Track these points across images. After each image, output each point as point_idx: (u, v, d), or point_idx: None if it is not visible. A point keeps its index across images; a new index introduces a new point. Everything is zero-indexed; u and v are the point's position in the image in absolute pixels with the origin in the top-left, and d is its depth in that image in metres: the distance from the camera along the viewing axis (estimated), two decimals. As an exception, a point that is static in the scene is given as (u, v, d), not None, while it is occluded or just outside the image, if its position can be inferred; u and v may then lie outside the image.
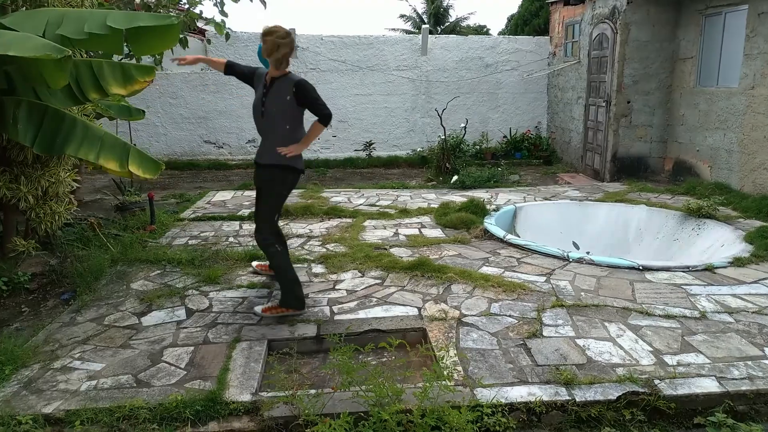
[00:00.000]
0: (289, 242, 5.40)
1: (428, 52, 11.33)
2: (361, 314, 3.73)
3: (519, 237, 6.39)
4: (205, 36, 11.04)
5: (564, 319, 3.58)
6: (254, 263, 4.63)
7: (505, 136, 11.67)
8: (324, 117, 3.61)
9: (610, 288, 4.11)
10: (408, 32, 29.74)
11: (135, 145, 11.93)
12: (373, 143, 11.30)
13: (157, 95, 11.25)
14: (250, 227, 6.07)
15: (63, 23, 3.55)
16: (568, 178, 9.39)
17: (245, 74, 3.88)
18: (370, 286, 4.24)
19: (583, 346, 3.25)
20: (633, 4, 8.09)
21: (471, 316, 3.66)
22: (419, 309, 3.79)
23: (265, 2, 8.37)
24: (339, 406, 2.64)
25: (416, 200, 7.37)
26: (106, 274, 4.55)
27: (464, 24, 31.89)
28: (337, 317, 3.70)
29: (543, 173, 10.31)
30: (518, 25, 18.40)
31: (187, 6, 7.64)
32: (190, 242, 5.47)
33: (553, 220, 6.62)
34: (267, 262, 4.43)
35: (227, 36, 9.48)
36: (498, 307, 3.78)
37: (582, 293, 4.01)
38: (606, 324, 3.52)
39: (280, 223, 6.18)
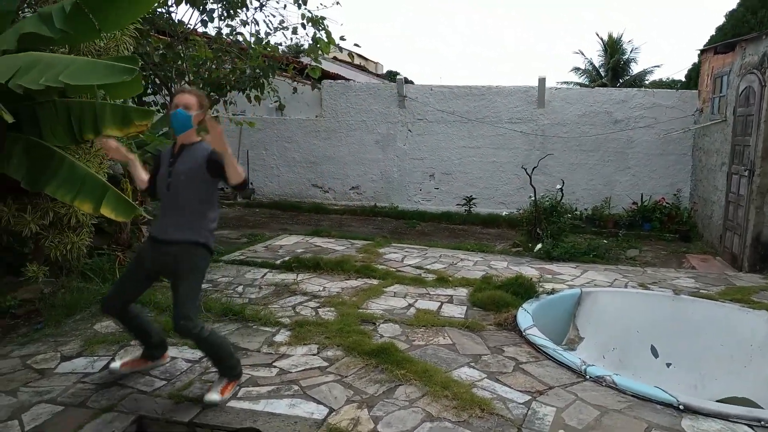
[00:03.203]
0: (286, 300, 4.99)
1: (546, 105, 10.27)
2: (260, 405, 3.08)
3: (576, 330, 5.17)
4: (320, 83, 11.38)
5: (499, 468, 2.54)
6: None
7: (634, 203, 9.98)
8: (240, 185, 3.00)
9: (608, 431, 2.89)
10: (582, 86, 27.91)
11: (252, 184, 12.61)
12: (474, 199, 10.46)
13: (275, 138, 11.84)
14: (272, 276, 5.78)
15: (30, 72, 3.62)
16: (697, 262, 7.54)
17: (158, 164, 3.30)
18: (310, 369, 3.56)
19: None
20: (789, 49, 6.33)
21: (382, 435, 2.80)
22: (331, 412, 3.02)
23: (353, 56, 8.30)
24: None
25: (478, 267, 6.44)
26: (86, 309, 4.54)
27: (649, 79, 29.14)
28: (232, 404, 3.09)
29: (670, 252, 8.50)
30: (691, 78, 16.40)
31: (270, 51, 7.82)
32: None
33: (630, 315, 5.20)
34: (132, 358, 3.54)
35: (319, 79, 9.37)
36: (427, 431, 2.85)
37: (560, 431, 2.87)
38: (556, 490, 2.41)
39: (300, 277, 5.81)
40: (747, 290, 5.72)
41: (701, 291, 5.70)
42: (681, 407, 3.13)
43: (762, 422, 3.00)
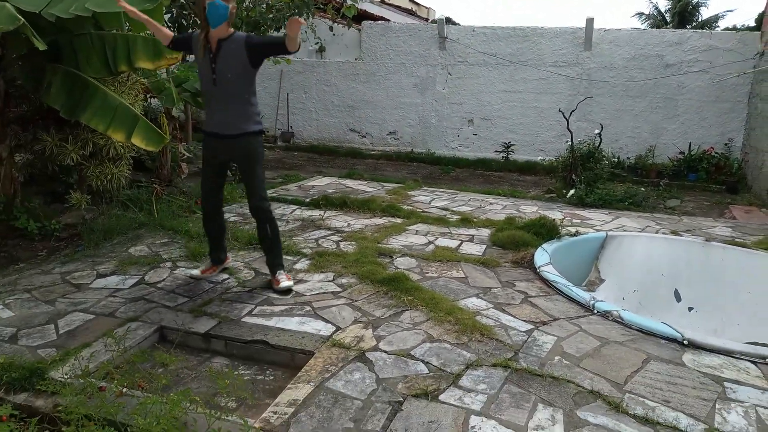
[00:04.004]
0: (310, 234, 5.15)
1: (593, 47, 9.82)
2: (273, 322, 3.27)
3: (598, 272, 5.14)
4: (360, 25, 11.23)
5: (489, 385, 2.64)
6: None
7: (681, 153, 9.56)
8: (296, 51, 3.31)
9: (605, 359, 2.93)
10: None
11: (291, 128, 12.75)
12: (512, 145, 10.27)
13: (314, 82, 11.85)
14: (300, 212, 5.96)
15: (63, 1, 3.78)
16: (740, 213, 7.25)
17: (186, 41, 3.64)
18: (324, 293, 3.72)
19: (475, 429, 2.33)
20: None
21: (382, 351, 2.93)
22: (337, 330, 3.18)
23: None
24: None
25: (506, 211, 6.40)
26: (123, 234, 4.84)
27: (720, 25, 27.33)
28: (245, 319, 3.30)
29: (714, 202, 8.18)
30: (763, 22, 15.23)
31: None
32: (231, 219, 5.53)
33: (656, 259, 5.11)
34: (209, 266, 4.01)
35: (354, 15, 9.13)
36: (426, 349, 2.97)
37: (557, 357, 2.93)
38: (541, 406, 2.49)
39: (327, 214, 5.95)
40: (787, 240, 5.49)
41: (736, 240, 5.51)
42: (685, 342, 3.12)
43: (767, 359, 2.96)
